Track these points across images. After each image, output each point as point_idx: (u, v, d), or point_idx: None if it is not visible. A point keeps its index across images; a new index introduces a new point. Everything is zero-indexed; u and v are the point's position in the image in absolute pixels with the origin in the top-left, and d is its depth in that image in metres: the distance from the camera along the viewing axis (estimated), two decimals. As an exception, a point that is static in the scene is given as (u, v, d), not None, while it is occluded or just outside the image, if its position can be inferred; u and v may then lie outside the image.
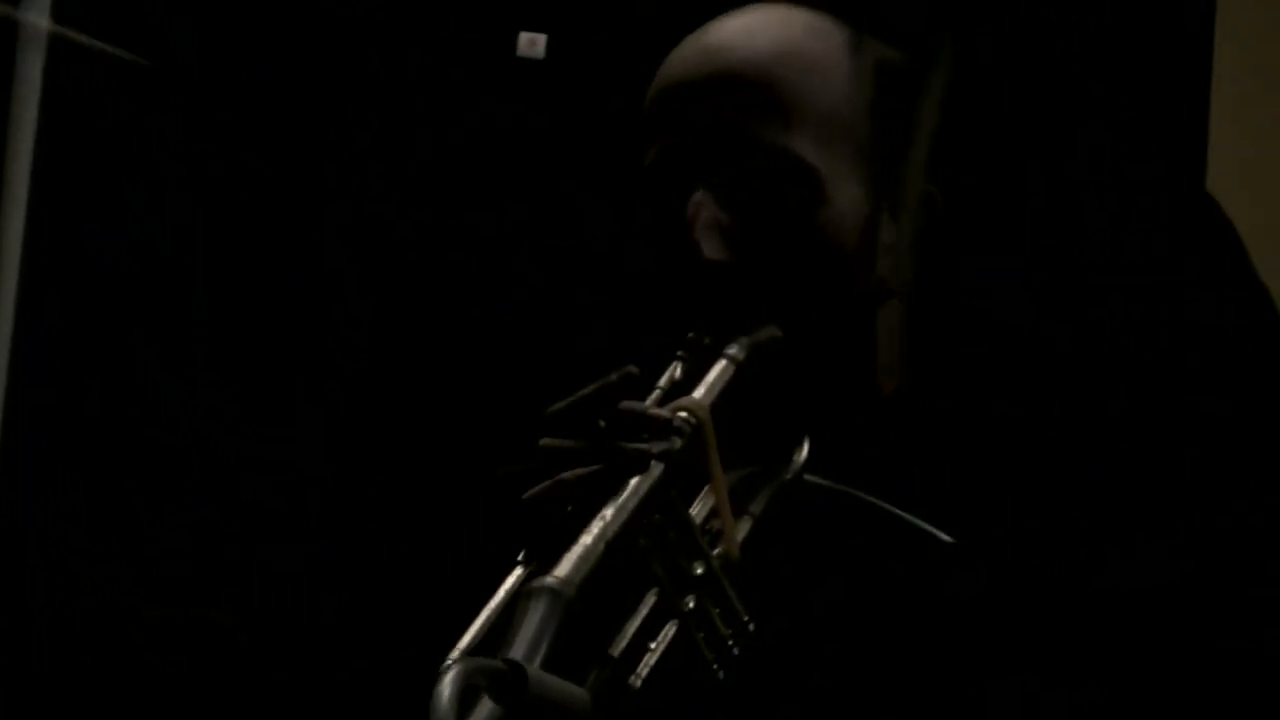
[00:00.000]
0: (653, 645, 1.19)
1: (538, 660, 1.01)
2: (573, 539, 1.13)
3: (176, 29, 3.11)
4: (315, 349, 3.12)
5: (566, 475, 1.21)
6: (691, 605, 1.23)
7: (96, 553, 3.01)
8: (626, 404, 1.25)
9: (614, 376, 1.25)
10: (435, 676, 0.94)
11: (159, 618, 2.52)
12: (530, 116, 3.10)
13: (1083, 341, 1.31)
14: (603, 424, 1.23)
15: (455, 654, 1.13)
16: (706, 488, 1.29)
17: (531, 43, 3.06)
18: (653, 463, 1.21)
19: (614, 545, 1.13)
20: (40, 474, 3.06)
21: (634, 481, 1.19)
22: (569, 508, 1.19)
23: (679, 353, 1.37)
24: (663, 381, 1.34)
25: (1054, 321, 1.32)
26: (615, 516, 1.15)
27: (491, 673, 0.95)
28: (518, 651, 1.01)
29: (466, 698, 0.93)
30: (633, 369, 1.26)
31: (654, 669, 1.17)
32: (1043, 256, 1.32)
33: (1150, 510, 1.28)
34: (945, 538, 1.35)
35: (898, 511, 1.37)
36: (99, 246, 3.11)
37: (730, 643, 1.24)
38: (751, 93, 1.45)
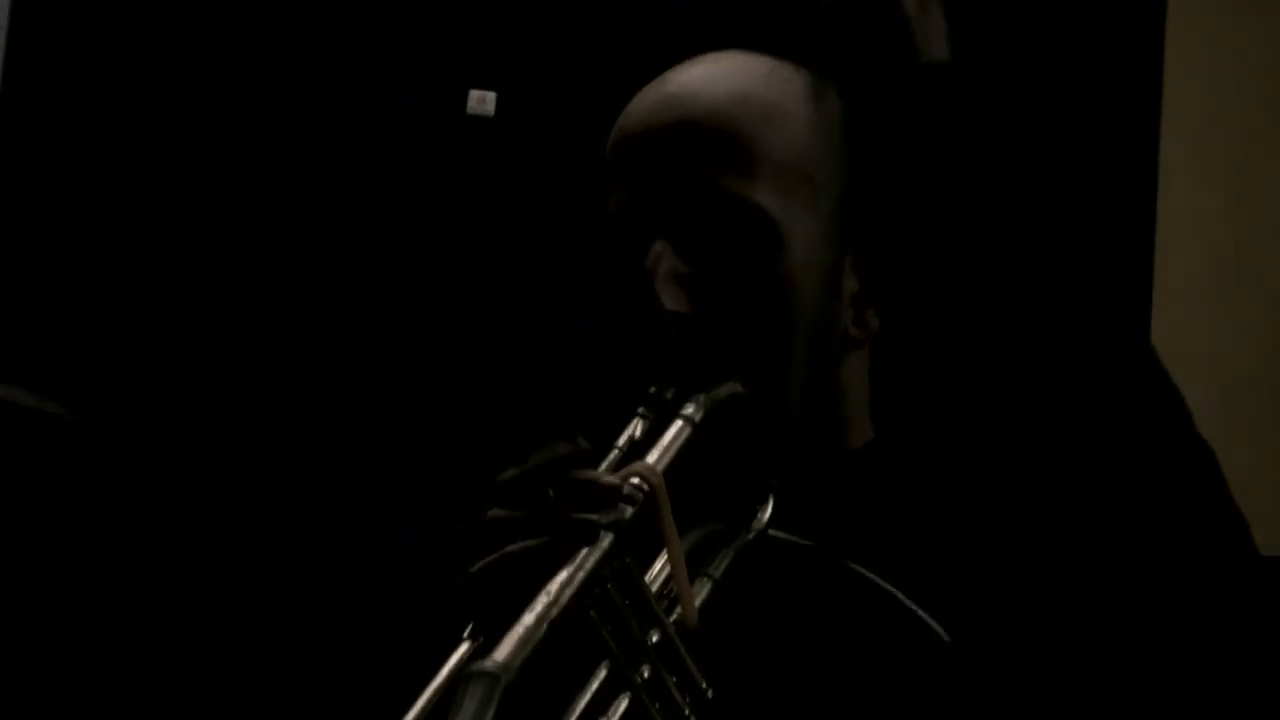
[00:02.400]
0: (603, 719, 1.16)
1: (472, 753, 0.99)
2: (517, 616, 1.10)
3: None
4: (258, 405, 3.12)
5: (513, 548, 1.19)
6: (646, 675, 1.20)
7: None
8: (576, 472, 1.22)
9: (563, 450, 1.23)
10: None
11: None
12: (481, 173, 3.10)
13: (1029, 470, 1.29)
14: (551, 493, 1.21)
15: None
16: (665, 551, 1.26)
17: (481, 100, 3.04)
18: (602, 533, 1.18)
19: (557, 623, 1.10)
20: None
21: (581, 554, 1.16)
22: (517, 581, 1.16)
23: (639, 409, 1.34)
24: (621, 441, 1.31)
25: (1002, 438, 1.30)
26: (559, 593, 1.12)
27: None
28: (450, 745, 0.99)
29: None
30: (584, 443, 1.23)
31: (603, 744, 1.15)
32: (987, 392, 1.30)
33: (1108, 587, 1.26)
34: (913, 606, 1.33)
35: (864, 572, 1.35)
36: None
37: (687, 712, 1.22)
38: (712, 141, 1.43)
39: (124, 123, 3.18)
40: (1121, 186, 3.09)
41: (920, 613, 1.31)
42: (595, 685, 1.17)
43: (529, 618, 1.09)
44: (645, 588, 1.22)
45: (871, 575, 1.34)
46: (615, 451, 1.29)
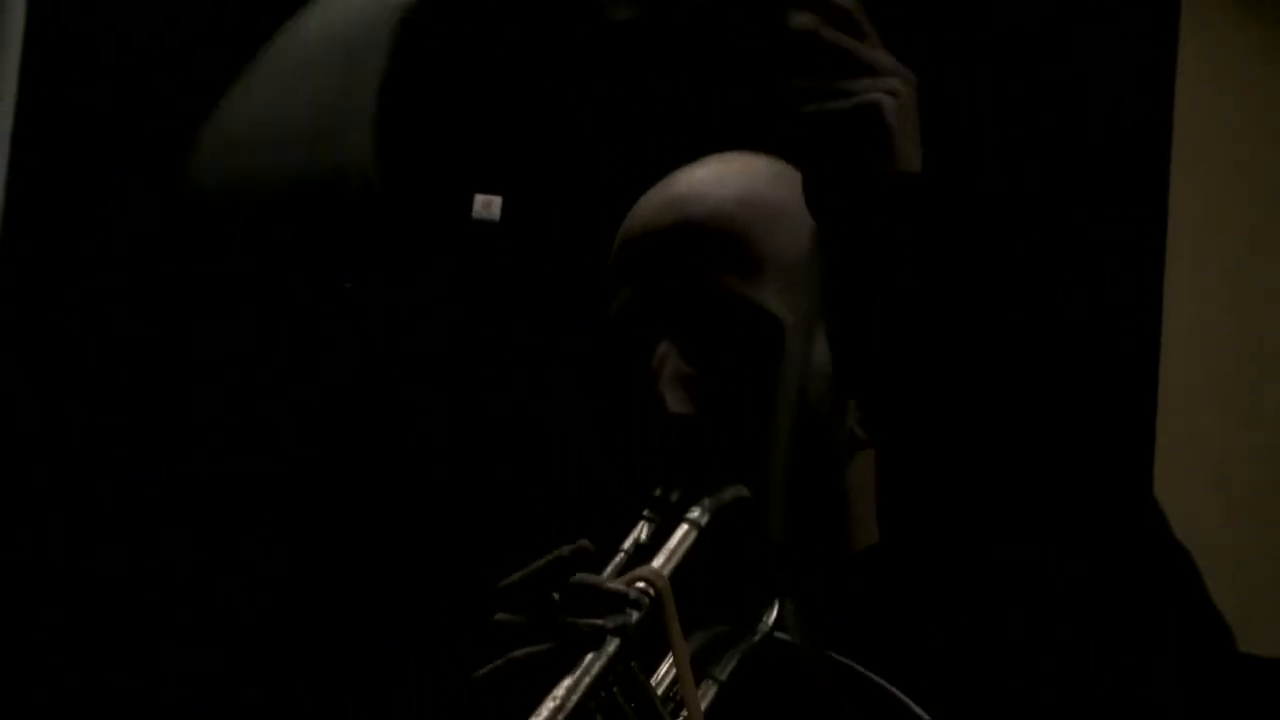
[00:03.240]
0: (609, 825, 1.16)
1: None
2: (523, 720, 1.11)
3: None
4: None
5: (518, 653, 1.19)
6: (653, 778, 1.20)
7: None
8: (581, 577, 1.22)
9: (566, 551, 1.23)
10: None
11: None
12: (486, 278, 3.10)
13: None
14: (556, 598, 1.21)
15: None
16: (670, 654, 1.26)
17: (487, 204, 3.05)
18: (608, 638, 1.18)
19: None
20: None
21: (587, 659, 1.17)
22: (522, 687, 1.17)
23: (645, 512, 1.34)
24: (627, 544, 1.31)
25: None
26: (565, 698, 1.13)
27: None
28: None
29: None
30: (586, 543, 1.24)
31: None
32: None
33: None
34: (918, 710, 1.33)
35: (870, 675, 1.34)
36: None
37: (694, 817, 1.22)
38: (716, 243, 1.43)
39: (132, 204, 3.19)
40: (1121, 291, 3.09)
41: (922, 715, 1.30)
42: (601, 790, 1.17)
43: (535, 721, 1.10)
44: (651, 691, 1.22)
45: (876, 678, 1.34)
46: (621, 555, 1.30)
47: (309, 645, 3.01)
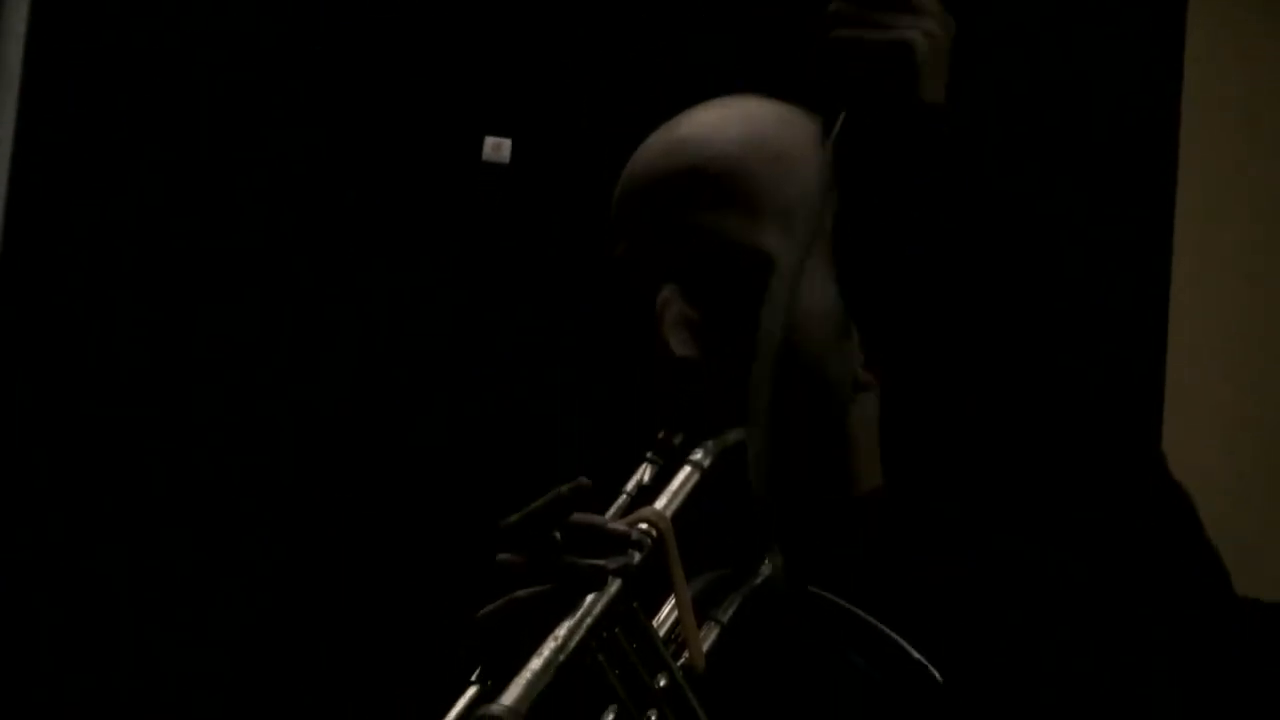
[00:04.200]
0: (610, 765, 1.16)
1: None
2: (524, 660, 1.11)
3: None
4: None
5: (520, 593, 1.19)
6: (653, 719, 1.20)
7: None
8: (583, 517, 1.22)
9: (565, 489, 1.23)
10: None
11: None
12: (496, 220, 3.10)
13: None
14: (559, 538, 1.21)
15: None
16: (672, 595, 1.26)
17: (497, 147, 3.04)
18: (610, 578, 1.18)
19: (565, 667, 1.11)
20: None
21: (589, 599, 1.17)
22: (525, 626, 1.17)
23: (648, 454, 1.34)
24: (630, 486, 1.31)
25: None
26: (567, 637, 1.13)
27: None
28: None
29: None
30: (584, 480, 1.24)
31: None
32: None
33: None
34: (916, 655, 1.33)
35: (870, 619, 1.34)
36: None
37: (695, 757, 1.22)
38: (720, 186, 1.43)
39: (145, 165, 3.19)
40: (1132, 243, 3.09)
41: (921, 659, 1.31)
42: (602, 731, 1.18)
43: (536, 662, 1.10)
44: (653, 632, 1.22)
45: (875, 621, 1.34)
46: (624, 496, 1.30)
47: (309, 638, 3.02)
